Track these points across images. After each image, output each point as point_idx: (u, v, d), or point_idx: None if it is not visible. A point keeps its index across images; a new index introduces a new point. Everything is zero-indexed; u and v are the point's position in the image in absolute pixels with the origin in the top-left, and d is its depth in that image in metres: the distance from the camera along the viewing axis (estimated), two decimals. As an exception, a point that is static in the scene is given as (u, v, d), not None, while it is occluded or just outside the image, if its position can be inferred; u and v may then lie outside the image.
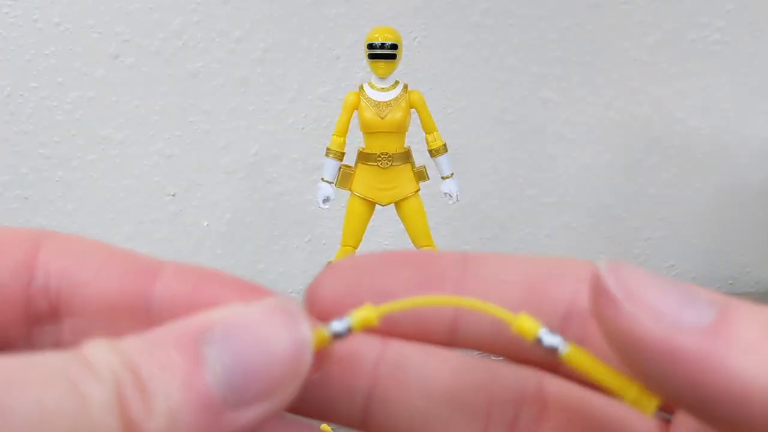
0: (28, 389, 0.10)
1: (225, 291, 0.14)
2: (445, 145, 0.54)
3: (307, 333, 0.12)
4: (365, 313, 0.14)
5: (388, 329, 0.15)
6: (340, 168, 0.54)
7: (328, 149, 0.54)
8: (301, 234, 0.71)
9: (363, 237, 0.56)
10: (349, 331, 0.14)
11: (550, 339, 0.13)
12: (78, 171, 0.67)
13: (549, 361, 0.15)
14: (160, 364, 0.11)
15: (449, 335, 0.15)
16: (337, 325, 0.14)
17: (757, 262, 0.77)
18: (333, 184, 0.54)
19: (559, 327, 0.14)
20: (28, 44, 0.64)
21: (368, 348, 0.15)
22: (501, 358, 0.15)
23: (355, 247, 0.55)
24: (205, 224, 0.69)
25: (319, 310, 0.14)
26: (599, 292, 0.12)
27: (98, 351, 0.11)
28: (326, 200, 0.54)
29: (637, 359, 0.12)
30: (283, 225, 0.70)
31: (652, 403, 0.13)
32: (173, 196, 0.69)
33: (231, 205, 0.69)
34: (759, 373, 0.11)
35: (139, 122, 0.67)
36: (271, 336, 0.12)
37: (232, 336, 0.12)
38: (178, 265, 0.15)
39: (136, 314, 0.13)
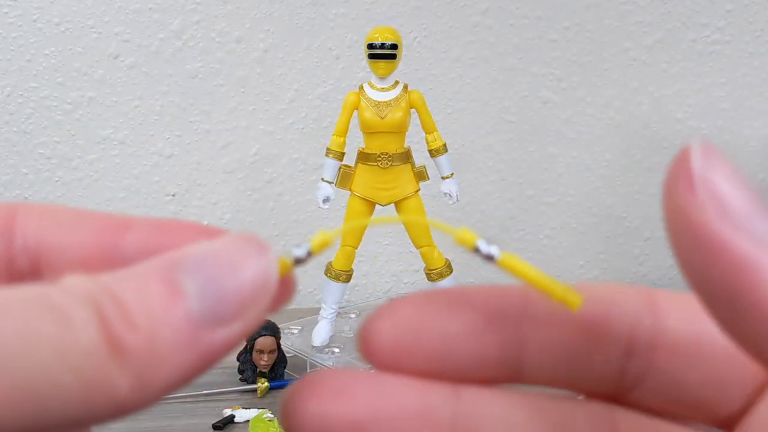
0: (11, 315, 0.11)
1: (193, 235, 0.15)
2: (445, 145, 0.54)
3: (271, 257, 0.14)
4: (322, 237, 0.15)
5: (454, 371, 0.15)
6: (340, 168, 0.54)
7: (328, 149, 0.54)
8: (301, 234, 0.71)
9: (363, 237, 0.56)
10: (309, 254, 0.15)
11: (486, 248, 0.15)
12: (78, 171, 0.67)
13: (616, 393, 0.15)
14: (137, 289, 0.12)
15: (514, 371, 0.15)
16: (298, 251, 0.15)
17: (757, 262, 0.77)
18: (333, 184, 0.54)
19: (623, 362, 0.15)
20: (28, 44, 0.64)
21: (442, 402, 0.15)
22: (567, 391, 0.15)
23: (355, 247, 0.56)
24: (205, 224, 0.69)
25: (375, 355, 0.15)
26: (681, 165, 0.12)
27: (77, 280, 0.12)
28: (326, 200, 0.54)
29: (688, 246, 0.12)
30: (283, 225, 0.70)
31: (577, 300, 0.14)
32: (173, 196, 0.69)
33: (231, 205, 0.69)
34: None
35: (139, 122, 0.67)
36: (239, 260, 0.13)
37: (205, 262, 0.13)
38: (146, 218, 0.16)
39: (112, 266, 0.14)
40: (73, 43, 0.64)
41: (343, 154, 0.53)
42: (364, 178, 0.54)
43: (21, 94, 0.65)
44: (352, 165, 0.54)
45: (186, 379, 0.13)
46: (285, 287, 0.14)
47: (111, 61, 0.65)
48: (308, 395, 0.14)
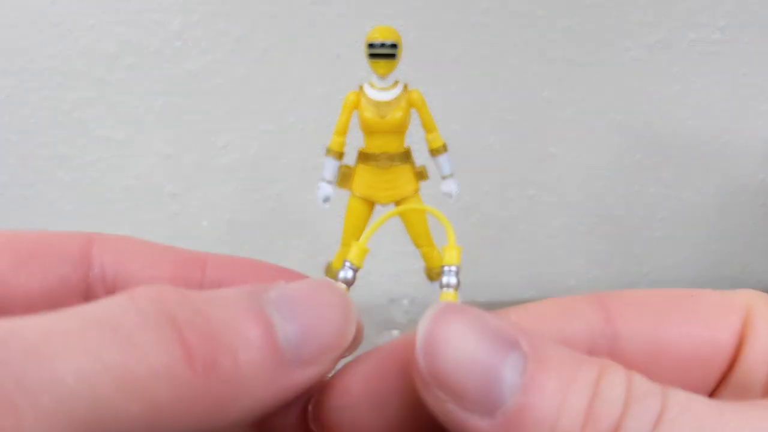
0: (71, 345, 0.10)
1: (269, 275, 0.15)
2: (445, 144, 0.54)
3: (351, 303, 0.14)
4: (357, 248, 0.16)
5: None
6: (340, 168, 0.54)
7: (328, 149, 0.54)
8: (301, 234, 0.71)
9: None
10: (354, 270, 0.16)
11: (446, 278, 0.17)
12: (78, 171, 0.67)
13: None
14: (225, 311, 0.12)
15: None
16: (343, 273, 0.16)
17: (757, 262, 0.77)
18: (333, 184, 0.54)
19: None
20: (28, 44, 0.64)
21: None
22: None
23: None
24: (205, 224, 0.69)
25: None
26: (415, 371, 0.12)
27: (153, 290, 0.11)
28: (326, 200, 0.54)
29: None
30: (283, 225, 0.70)
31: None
32: (173, 196, 0.69)
33: (231, 205, 0.69)
34: None
35: (139, 122, 0.67)
36: (325, 304, 0.13)
37: (292, 301, 0.13)
38: (222, 255, 0.16)
39: None
40: (73, 43, 0.64)
41: (343, 153, 0.53)
42: (364, 178, 0.54)
43: (21, 94, 0.65)
44: (352, 165, 0.54)
45: (259, 413, 0.12)
46: (357, 335, 0.14)
47: (111, 61, 0.65)
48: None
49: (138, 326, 0.10)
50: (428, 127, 0.54)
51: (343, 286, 0.15)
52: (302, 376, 0.12)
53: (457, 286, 0.16)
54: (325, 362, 0.13)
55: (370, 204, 0.54)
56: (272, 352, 0.12)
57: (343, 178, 0.54)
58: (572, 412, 0.11)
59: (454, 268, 0.16)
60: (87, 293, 0.15)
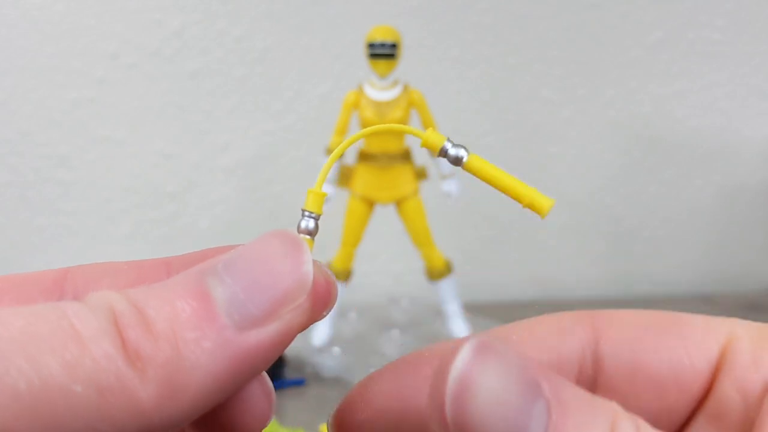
0: (15, 327, 0.11)
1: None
2: (445, 144, 0.54)
3: (306, 252, 0.13)
4: (310, 197, 0.15)
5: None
6: (340, 168, 0.54)
7: (327, 149, 0.54)
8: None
9: (363, 236, 0.56)
10: (315, 219, 0.14)
11: (454, 150, 0.14)
12: (78, 171, 0.67)
13: None
14: (162, 297, 0.12)
15: None
16: (304, 224, 0.14)
17: (757, 262, 0.77)
18: (333, 184, 0.54)
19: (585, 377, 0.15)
20: (28, 44, 0.64)
21: None
22: None
23: (355, 246, 0.55)
24: (205, 224, 0.69)
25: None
26: (436, 410, 0.12)
27: (98, 294, 0.12)
28: (326, 200, 0.54)
29: None
30: (282, 225, 0.70)
31: (547, 204, 0.14)
32: (173, 196, 0.68)
33: (231, 205, 0.69)
34: None
35: (139, 122, 0.67)
36: (271, 257, 0.13)
37: (235, 263, 0.12)
38: (185, 254, 0.16)
39: None
40: (73, 43, 0.64)
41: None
42: (364, 178, 0.54)
43: (21, 94, 0.65)
44: (352, 165, 0.54)
45: (223, 386, 0.12)
46: (325, 286, 0.14)
47: (111, 61, 0.65)
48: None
49: (83, 317, 0.11)
50: (428, 127, 0.54)
51: (306, 237, 0.14)
52: (260, 336, 0.12)
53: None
54: (284, 316, 0.12)
55: (370, 204, 0.54)
56: (209, 322, 0.12)
57: (343, 178, 0.54)
58: None
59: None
60: None
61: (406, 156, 0.53)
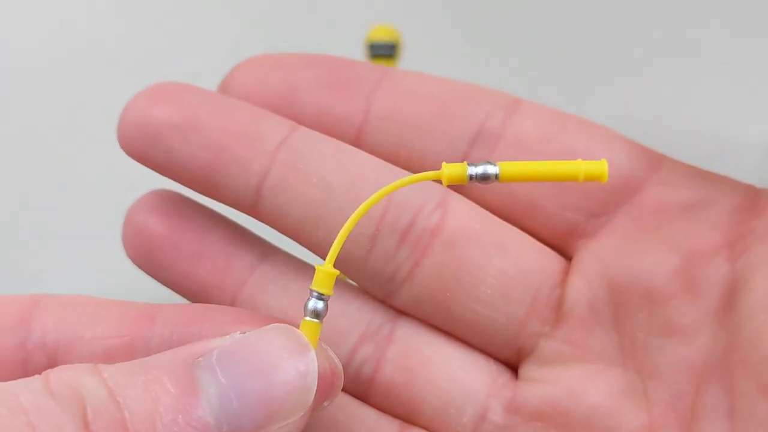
0: None
1: (226, 322, 0.13)
2: (445, 145, 0.54)
3: (311, 356, 0.12)
4: (319, 275, 0.13)
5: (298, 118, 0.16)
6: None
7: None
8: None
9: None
10: (324, 300, 0.13)
11: (481, 169, 0.14)
12: (78, 171, 0.67)
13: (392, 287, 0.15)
14: (145, 386, 0.10)
15: (355, 132, 0.16)
16: (311, 305, 0.13)
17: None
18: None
19: (467, 146, 0.15)
20: (28, 44, 0.64)
21: (273, 130, 0.15)
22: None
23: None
24: (205, 224, 0.69)
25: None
26: None
27: (71, 378, 0.10)
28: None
29: None
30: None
31: (602, 165, 0.13)
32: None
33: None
34: None
35: (139, 122, 0.66)
36: (271, 360, 0.11)
37: (230, 359, 0.11)
38: (174, 305, 0.14)
39: (137, 358, 0.12)
40: (73, 43, 0.64)
41: (342, 154, 0.53)
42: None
43: (21, 94, 0.65)
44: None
45: None
46: (328, 388, 0.12)
47: (111, 60, 0.65)
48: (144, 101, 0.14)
49: (46, 415, 0.10)
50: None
51: (313, 320, 0.13)
52: None
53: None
54: (279, 429, 0.11)
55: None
56: (189, 421, 0.10)
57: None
58: None
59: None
60: (26, 361, 0.14)
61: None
